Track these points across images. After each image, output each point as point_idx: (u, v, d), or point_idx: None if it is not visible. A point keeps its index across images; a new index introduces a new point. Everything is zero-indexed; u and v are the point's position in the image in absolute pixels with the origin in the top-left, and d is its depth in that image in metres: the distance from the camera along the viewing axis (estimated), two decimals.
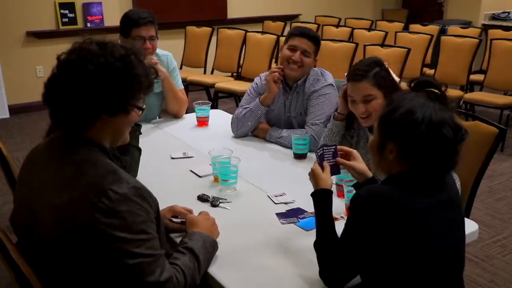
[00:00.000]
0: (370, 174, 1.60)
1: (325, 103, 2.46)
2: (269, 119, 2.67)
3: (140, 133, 2.06)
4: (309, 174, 1.60)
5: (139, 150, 2.04)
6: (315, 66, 2.58)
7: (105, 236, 1.17)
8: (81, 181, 1.22)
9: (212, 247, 1.49)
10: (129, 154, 1.98)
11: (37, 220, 1.26)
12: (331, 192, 1.52)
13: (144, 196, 1.25)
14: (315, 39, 2.52)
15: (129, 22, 2.65)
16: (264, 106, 2.55)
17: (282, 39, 5.26)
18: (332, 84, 2.53)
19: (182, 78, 5.75)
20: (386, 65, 2.04)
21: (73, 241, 1.19)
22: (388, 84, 1.99)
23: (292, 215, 1.78)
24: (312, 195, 1.53)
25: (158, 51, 2.85)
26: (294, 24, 6.71)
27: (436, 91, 1.34)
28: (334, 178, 1.99)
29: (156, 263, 1.24)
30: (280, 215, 1.78)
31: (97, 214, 1.17)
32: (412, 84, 1.39)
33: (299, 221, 1.74)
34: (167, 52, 3.00)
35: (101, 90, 1.25)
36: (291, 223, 1.73)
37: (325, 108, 2.45)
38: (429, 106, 1.28)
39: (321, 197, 1.51)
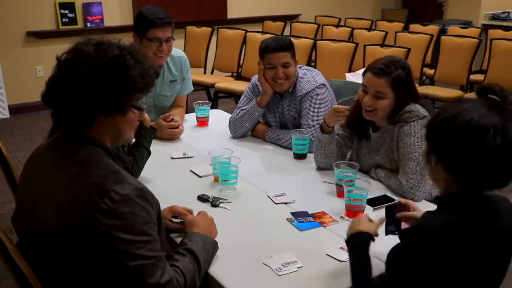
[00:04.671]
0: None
1: (318, 103, 2.45)
2: (266, 123, 2.67)
3: (155, 137, 2.09)
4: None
5: (149, 152, 2.06)
6: (297, 62, 2.53)
7: (106, 237, 1.17)
8: (83, 181, 1.22)
9: (212, 247, 1.49)
10: (138, 153, 2.00)
11: (39, 220, 1.26)
12: (370, 236, 1.43)
13: (146, 198, 1.25)
14: (288, 47, 2.44)
15: (145, 22, 2.51)
16: (261, 108, 2.55)
17: None
18: (324, 84, 2.51)
19: None
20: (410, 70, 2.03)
21: (74, 241, 1.19)
22: (404, 89, 1.99)
23: (304, 215, 1.79)
24: (350, 239, 1.44)
25: (173, 51, 2.76)
26: (294, 24, 6.71)
27: (494, 97, 1.20)
28: (333, 178, 1.99)
29: (157, 265, 1.24)
30: (295, 214, 1.79)
31: (99, 215, 1.17)
32: (475, 90, 1.28)
33: (298, 222, 1.74)
34: (182, 53, 2.88)
35: (94, 91, 1.24)
36: (307, 222, 1.74)
37: (319, 108, 2.44)
38: (477, 111, 1.15)
39: (358, 241, 1.42)
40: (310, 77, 2.51)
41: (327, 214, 1.79)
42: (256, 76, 2.62)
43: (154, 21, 2.50)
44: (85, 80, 1.23)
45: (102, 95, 1.25)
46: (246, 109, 2.58)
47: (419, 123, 1.96)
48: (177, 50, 2.86)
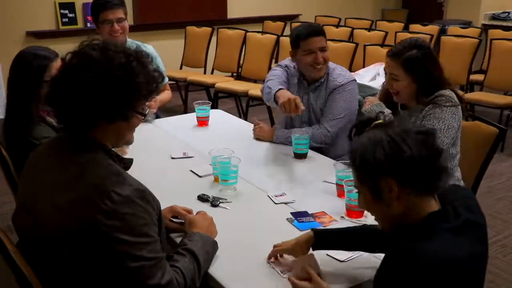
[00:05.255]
0: (308, 234, 1.47)
1: (348, 98, 2.46)
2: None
3: None
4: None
5: None
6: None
7: (107, 238, 1.17)
8: (84, 182, 1.22)
9: (212, 247, 1.49)
10: None
11: (39, 220, 1.26)
12: None
13: (147, 199, 1.25)
14: (322, 31, 2.50)
15: (96, 8, 2.72)
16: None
17: (282, 39, 5.26)
18: (355, 80, 2.52)
19: (182, 78, 5.77)
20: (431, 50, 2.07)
21: (74, 241, 1.19)
22: (420, 69, 2.01)
23: (304, 215, 1.79)
24: None
25: (142, 46, 2.71)
26: (294, 24, 6.71)
27: (379, 121, 1.26)
28: (333, 178, 1.99)
29: (157, 266, 1.24)
30: (295, 214, 1.78)
31: (99, 216, 1.17)
32: (357, 130, 1.31)
33: (298, 222, 1.74)
34: (150, 47, 2.90)
35: (99, 98, 1.24)
36: (307, 222, 1.74)
37: (347, 104, 2.45)
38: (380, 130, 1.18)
39: None
40: (341, 71, 2.53)
41: (327, 214, 1.78)
42: (286, 61, 2.63)
43: (103, 5, 2.70)
44: (89, 86, 1.23)
45: (105, 102, 1.25)
46: (271, 88, 2.42)
47: (451, 110, 1.98)
48: (147, 45, 2.90)
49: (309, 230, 1.52)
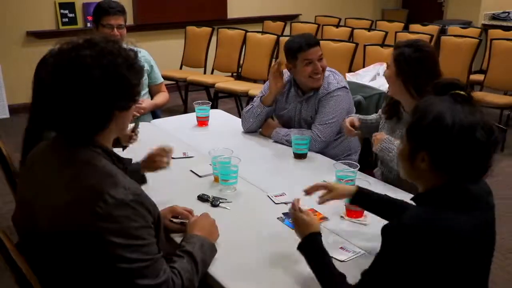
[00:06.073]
0: (352, 188, 1.63)
1: (335, 104, 2.47)
2: (282, 120, 2.68)
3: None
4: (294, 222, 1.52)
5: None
6: None
7: (101, 240, 1.17)
8: (79, 183, 1.21)
9: (209, 250, 1.48)
10: None
11: (37, 219, 1.26)
12: (319, 233, 1.44)
13: (142, 202, 1.24)
14: (318, 41, 2.53)
15: (100, 11, 2.90)
16: (264, 105, 2.57)
17: (282, 39, 5.26)
18: (346, 87, 2.52)
19: (182, 78, 5.78)
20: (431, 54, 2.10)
21: (68, 242, 1.19)
22: (409, 68, 2.03)
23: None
24: (303, 244, 1.44)
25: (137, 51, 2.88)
26: (294, 24, 6.71)
27: (462, 93, 1.24)
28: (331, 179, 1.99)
29: (151, 267, 1.23)
30: (287, 214, 1.78)
31: (93, 218, 1.16)
32: (436, 88, 1.29)
33: (288, 221, 1.74)
34: (145, 52, 3.09)
35: (112, 89, 1.24)
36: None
37: (334, 109, 2.46)
38: (458, 109, 1.19)
39: (313, 243, 1.42)
40: (333, 79, 2.54)
41: (317, 211, 1.78)
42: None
43: (107, 10, 2.88)
44: (100, 82, 1.22)
45: (118, 90, 1.25)
46: (253, 104, 2.65)
47: None
48: (141, 50, 3.00)
49: (356, 186, 1.67)
